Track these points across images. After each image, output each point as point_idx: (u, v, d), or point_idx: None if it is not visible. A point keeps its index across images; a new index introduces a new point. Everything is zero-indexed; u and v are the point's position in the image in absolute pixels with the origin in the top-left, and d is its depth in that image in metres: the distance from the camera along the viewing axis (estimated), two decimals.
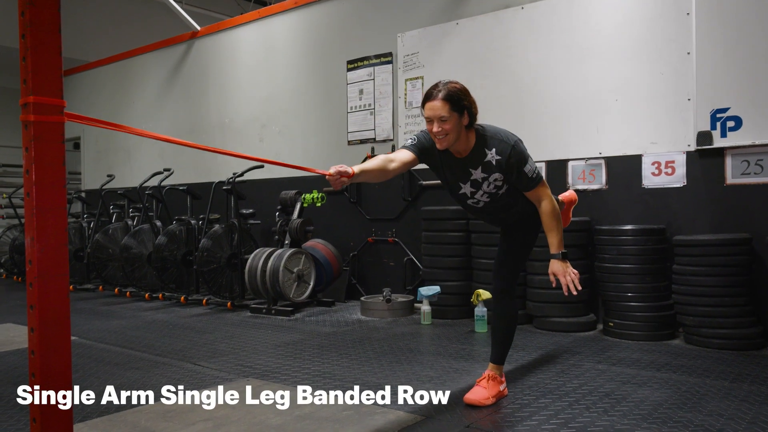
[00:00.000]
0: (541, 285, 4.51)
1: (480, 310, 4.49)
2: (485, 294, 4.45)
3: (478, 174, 2.69)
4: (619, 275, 4.20)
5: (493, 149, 2.64)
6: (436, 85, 2.61)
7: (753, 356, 3.64)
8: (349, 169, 2.37)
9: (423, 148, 2.68)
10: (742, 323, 3.83)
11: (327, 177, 2.34)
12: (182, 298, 6.08)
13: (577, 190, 4.77)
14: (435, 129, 2.57)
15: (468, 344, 4.10)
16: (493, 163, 2.64)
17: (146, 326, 4.98)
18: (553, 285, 2.77)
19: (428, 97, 2.59)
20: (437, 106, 2.55)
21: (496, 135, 2.66)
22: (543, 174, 4.86)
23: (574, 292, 2.69)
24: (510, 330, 2.94)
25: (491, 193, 2.74)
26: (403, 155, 2.63)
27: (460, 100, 2.56)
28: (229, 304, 5.73)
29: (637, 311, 4.12)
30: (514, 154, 2.62)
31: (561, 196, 3.39)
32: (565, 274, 2.70)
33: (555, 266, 2.73)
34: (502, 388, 2.92)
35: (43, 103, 1.60)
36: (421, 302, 4.94)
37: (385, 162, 2.55)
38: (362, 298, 5.46)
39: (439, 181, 2.94)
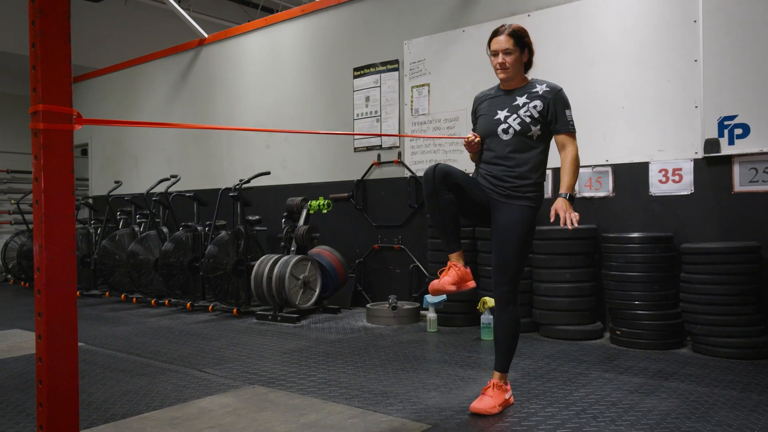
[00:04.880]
0: (548, 293, 4.50)
1: (486, 318, 4.48)
2: (491, 301, 4.44)
3: (521, 99, 2.88)
4: (626, 283, 4.18)
5: (544, 84, 2.90)
6: (502, 25, 2.93)
7: (762, 365, 3.61)
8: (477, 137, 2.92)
9: (475, 117, 3.05)
10: (750, 332, 3.81)
11: (466, 140, 2.92)
12: (188, 304, 6.09)
13: (583, 198, 4.76)
14: (499, 60, 2.86)
15: (474, 352, 4.09)
16: (540, 92, 2.87)
17: (152, 332, 4.99)
18: (552, 220, 2.73)
19: (495, 33, 2.89)
20: (502, 40, 2.85)
21: (547, 80, 2.96)
22: (549, 179, 4.86)
23: (569, 227, 2.66)
24: (513, 338, 2.92)
25: (524, 122, 2.84)
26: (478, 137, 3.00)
27: (522, 37, 2.88)
28: (235, 310, 5.74)
29: (645, 319, 4.10)
30: (561, 94, 2.87)
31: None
32: (566, 211, 2.69)
33: (559, 203, 2.72)
34: (508, 396, 2.90)
35: (53, 112, 1.61)
36: (427, 309, 4.93)
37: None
38: (368, 305, 5.46)
39: (474, 128, 3.05)
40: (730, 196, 4.20)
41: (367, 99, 6.18)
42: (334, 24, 6.51)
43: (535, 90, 2.88)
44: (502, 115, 2.90)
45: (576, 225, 2.67)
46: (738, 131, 4.11)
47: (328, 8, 6.52)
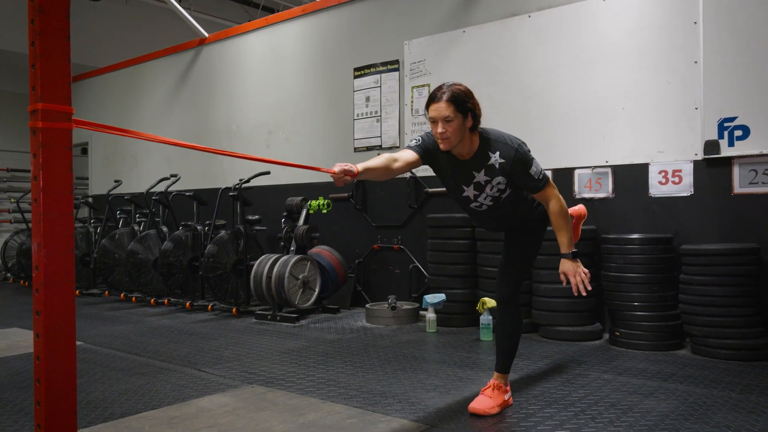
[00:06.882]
0: (547, 293, 4.50)
1: (485, 318, 4.47)
2: (490, 302, 4.43)
3: (481, 177, 2.68)
4: (626, 284, 4.17)
5: (497, 152, 2.63)
6: (440, 87, 2.60)
7: (761, 367, 3.61)
8: (353, 168, 2.39)
9: (427, 150, 2.70)
10: (749, 333, 3.80)
11: (331, 175, 2.36)
12: (187, 303, 6.09)
13: (583, 199, 4.76)
14: (439, 130, 2.57)
15: (473, 352, 4.09)
16: (497, 166, 2.64)
17: (151, 332, 4.98)
18: (564, 284, 2.77)
19: (432, 98, 2.59)
20: (442, 107, 2.55)
21: (500, 138, 2.66)
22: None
23: (584, 293, 2.69)
24: (514, 339, 2.93)
25: (494, 197, 2.74)
26: (407, 155, 2.64)
27: (464, 102, 2.56)
28: (234, 310, 5.74)
29: (644, 321, 4.10)
30: (518, 157, 2.62)
31: (570, 210, 3.38)
32: (575, 274, 2.69)
33: (565, 266, 2.72)
34: (507, 397, 2.90)
35: (52, 110, 1.61)
36: (426, 310, 4.93)
37: (389, 161, 2.57)
38: (367, 306, 5.45)
39: (445, 189, 2.96)
40: (729, 197, 4.20)
41: (368, 99, 6.18)
42: (334, 24, 6.50)
43: (490, 163, 2.64)
44: (469, 193, 2.75)
45: (589, 288, 2.68)
46: (738, 133, 4.11)
47: (329, 8, 6.52)
